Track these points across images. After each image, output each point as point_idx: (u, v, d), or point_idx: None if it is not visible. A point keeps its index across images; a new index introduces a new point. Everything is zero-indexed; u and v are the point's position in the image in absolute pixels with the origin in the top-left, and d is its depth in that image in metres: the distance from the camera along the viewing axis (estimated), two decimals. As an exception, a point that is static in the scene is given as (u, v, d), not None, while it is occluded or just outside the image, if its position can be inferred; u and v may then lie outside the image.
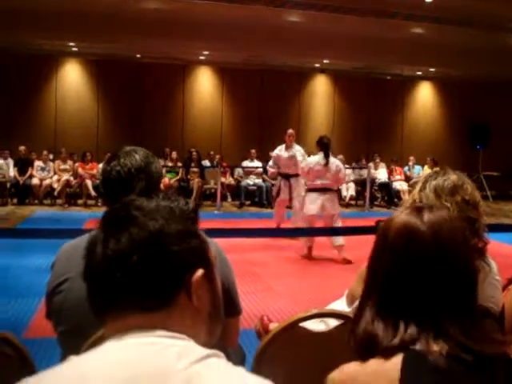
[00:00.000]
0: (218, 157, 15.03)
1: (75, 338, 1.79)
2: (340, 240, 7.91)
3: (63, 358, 1.08)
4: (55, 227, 7.64)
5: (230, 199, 14.71)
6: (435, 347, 1.17)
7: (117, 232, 1.01)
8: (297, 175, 9.33)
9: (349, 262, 7.77)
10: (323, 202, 8.06)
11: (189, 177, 14.40)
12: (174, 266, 1.01)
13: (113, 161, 2.08)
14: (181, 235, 1.03)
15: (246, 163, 15.03)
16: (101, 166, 11.47)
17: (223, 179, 14.14)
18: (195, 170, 14.50)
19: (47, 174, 13.54)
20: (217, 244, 1.99)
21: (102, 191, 2.12)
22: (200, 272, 1.04)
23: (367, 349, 1.22)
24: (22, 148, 13.61)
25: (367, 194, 13.92)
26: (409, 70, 16.60)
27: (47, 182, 13.37)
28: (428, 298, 1.22)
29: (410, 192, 12.97)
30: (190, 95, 16.19)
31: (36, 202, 13.35)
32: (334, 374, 1.21)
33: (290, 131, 9.76)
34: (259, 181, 14.52)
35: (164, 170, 12.74)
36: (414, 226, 1.26)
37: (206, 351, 0.97)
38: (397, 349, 1.18)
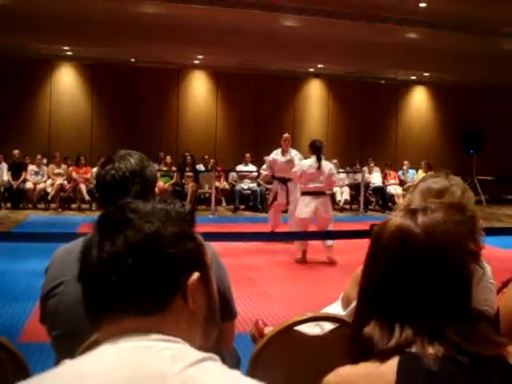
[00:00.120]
0: (212, 161, 15.02)
1: (69, 342, 1.78)
2: (330, 241, 8.15)
3: (57, 362, 1.08)
4: (49, 231, 7.63)
5: (224, 203, 14.71)
6: (431, 350, 1.17)
7: (112, 235, 1.00)
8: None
9: (334, 261, 8.11)
10: (316, 206, 8.10)
11: (183, 181, 14.39)
12: (169, 269, 1.00)
13: (107, 165, 2.08)
14: (177, 238, 1.02)
15: (240, 167, 15.03)
16: (95, 170, 11.45)
17: (217, 183, 14.14)
18: (189, 174, 14.50)
19: (41, 178, 13.50)
20: (212, 247, 1.99)
21: (97, 195, 2.12)
22: (196, 275, 1.03)
23: (363, 352, 1.22)
24: (15, 152, 13.58)
25: (361, 198, 13.93)
26: (403, 74, 16.65)
27: (41, 186, 13.33)
28: (423, 301, 1.22)
29: (404, 196, 13.00)
30: (184, 99, 16.19)
31: (30, 206, 13.32)
32: (330, 377, 1.21)
33: (286, 135, 9.76)
34: (254, 185, 14.51)
35: (158, 175, 12.74)
36: (408, 229, 1.26)
37: (201, 354, 0.96)
38: (392, 352, 1.18)
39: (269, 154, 10.08)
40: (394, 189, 15.20)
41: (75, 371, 0.94)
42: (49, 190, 13.23)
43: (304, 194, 8.26)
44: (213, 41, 12.92)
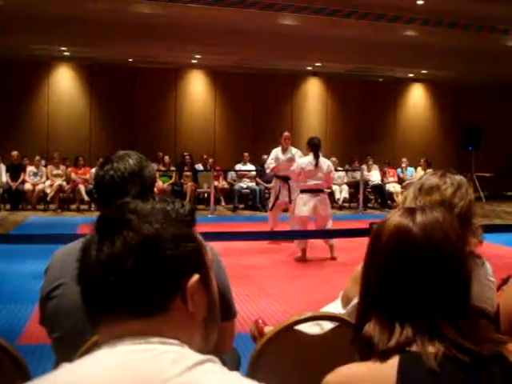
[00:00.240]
0: (211, 160, 15.02)
1: (70, 344, 1.78)
2: (333, 240, 8.18)
3: (57, 364, 1.08)
4: (48, 233, 7.62)
5: (223, 203, 14.70)
6: (431, 348, 1.17)
7: (111, 235, 0.99)
8: None
9: (335, 259, 8.18)
10: (315, 204, 8.10)
11: (182, 181, 14.39)
12: (169, 271, 0.99)
13: (106, 165, 2.08)
14: (176, 239, 1.00)
15: (239, 166, 15.03)
16: (93, 170, 11.43)
17: (216, 183, 14.13)
18: (188, 173, 14.49)
19: (40, 179, 13.49)
20: (212, 247, 1.98)
21: (96, 196, 2.12)
22: (196, 277, 1.01)
23: (364, 351, 1.22)
24: (14, 153, 13.56)
25: (360, 197, 13.92)
26: (401, 72, 16.65)
27: (40, 187, 13.32)
28: (422, 300, 1.22)
29: (402, 194, 12.99)
30: (182, 99, 16.19)
31: (29, 207, 13.31)
32: (330, 377, 1.21)
33: (286, 134, 9.73)
34: (252, 184, 14.51)
35: (157, 174, 12.74)
36: (407, 228, 1.26)
37: (200, 357, 0.95)
38: (393, 351, 1.18)
39: (267, 152, 10.05)
40: (393, 186, 15.21)
41: (74, 375, 0.93)
42: (48, 190, 13.21)
43: (302, 191, 8.26)
44: (210, 40, 12.90)
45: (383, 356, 1.18)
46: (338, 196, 14.60)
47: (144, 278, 0.97)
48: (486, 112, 17.09)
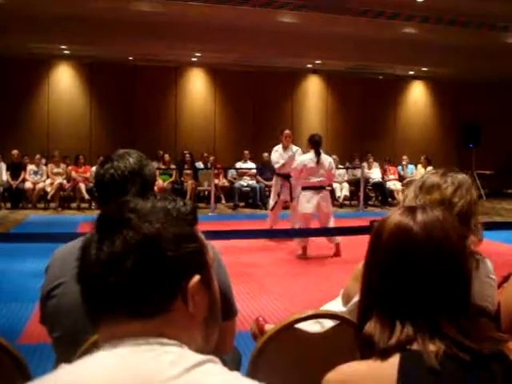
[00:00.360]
0: (211, 158, 15.01)
1: (70, 343, 1.77)
2: (338, 238, 8.17)
3: (58, 363, 1.07)
4: (49, 231, 7.62)
5: (223, 201, 14.70)
6: (432, 347, 1.17)
7: (111, 234, 0.97)
8: None
9: (340, 255, 8.19)
10: (318, 201, 8.11)
11: (182, 179, 14.39)
12: (169, 271, 0.97)
13: (106, 164, 2.08)
14: (178, 239, 0.99)
15: (239, 164, 15.04)
16: (94, 169, 11.43)
17: (217, 181, 14.14)
18: (189, 171, 14.49)
19: (40, 177, 13.50)
20: (213, 246, 1.98)
21: (96, 194, 2.12)
22: (196, 278, 1.00)
23: (364, 349, 1.22)
24: (14, 152, 13.56)
25: (361, 194, 13.93)
26: (401, 69, 16.63)
27: (40, 185, 13.32)
28: (423, 298, 1.22)
29: (403, 191, 13.00)
30: (182, 97, 16.18)
31: (29, 206, 13.31)
32: (330, 375, 1.21)
33: (287, 132, 9.71)
34: (253, 182, 14.51)
35: (157, 173, 12.73)
36: (407, 227, 1.26)
37: (200, 357, 0.94)
38: (393, 349, 1.18)
39: (268, 150, 10.01)
40: (393, 184, 15.21)
41: (74, 375, 0.92)
42: (48, 189, 13.22)
43: (305, 188, 8.26)
44: (210, 38, 12.89)
45: (384, 354, 1.18)
46: (338, 194, 14.59)
47: (144, 279, 0.96)
48: (486, 109, 17.08)
